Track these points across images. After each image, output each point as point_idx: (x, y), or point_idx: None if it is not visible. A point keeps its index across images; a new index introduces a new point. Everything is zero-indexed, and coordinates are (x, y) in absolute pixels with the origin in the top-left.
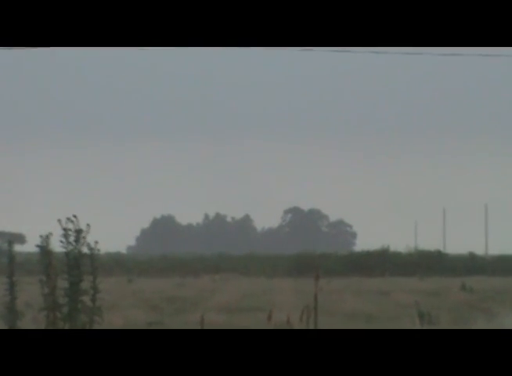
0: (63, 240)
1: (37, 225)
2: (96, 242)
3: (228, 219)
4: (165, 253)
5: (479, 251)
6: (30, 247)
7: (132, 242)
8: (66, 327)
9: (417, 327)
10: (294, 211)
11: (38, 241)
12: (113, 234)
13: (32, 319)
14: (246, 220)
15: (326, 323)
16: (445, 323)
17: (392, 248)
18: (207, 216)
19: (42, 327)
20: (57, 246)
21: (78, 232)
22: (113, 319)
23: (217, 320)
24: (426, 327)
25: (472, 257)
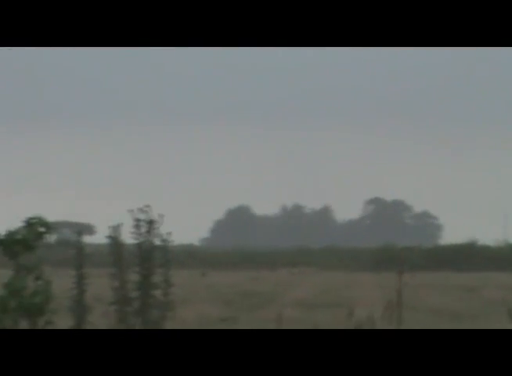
0: (135, 230)
1: (107, 216)
2: (169, 233)
3: (307, 210)
4: (240, 245)
5: None
6: (99, 238)
7: (206, 234)
8: (138, 322)
9: (506, 326)
10: (376, 202)
11: (108, 232)
12: (187, 225)
13: (101, 314)
14: (326, 211)
15: (410, 319)
16: None
17: (480, 241)
18: (284, 207)
19: (112, 322)
20: (128, 237)
21: (150, 222)
22: (185, 315)
23: (294, 317)
24: None
25: None
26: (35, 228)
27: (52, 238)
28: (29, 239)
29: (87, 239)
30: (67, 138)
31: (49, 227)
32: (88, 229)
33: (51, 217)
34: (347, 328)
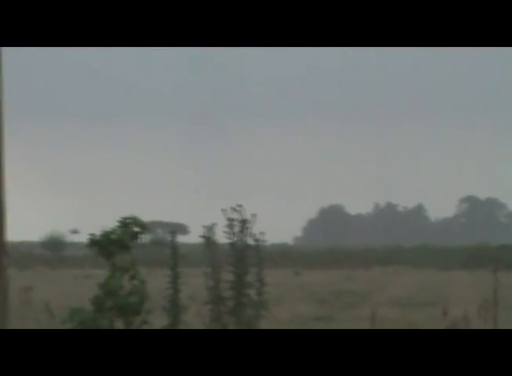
0: (228, 230)
1: (200, 215)
2: (262, 233)
3: (400, 209)
4: (333, 244)
5: None
6: (193, 237)
7: (299, 233)
8: (232, 321)
9: None
10: (470, 200)
11: (202, 232)
12: (280, 225)
13: (196, 314)
14: (419, 210)
15: (507, 318)
16: None
17: None
18: (377, 205)
19: (207, 321)
20: (221, 237)
21: (243, 222)
22: (279, 314)
23: (388, 315)
24: None
25: None
26: (130, 228)
27: (146, 238)
28: (124, 239)
29: (181, 239)
30: (161, 140)
31: (144, 227)
32: (181, 228)
33: (145, 217)
34: (429, 328)
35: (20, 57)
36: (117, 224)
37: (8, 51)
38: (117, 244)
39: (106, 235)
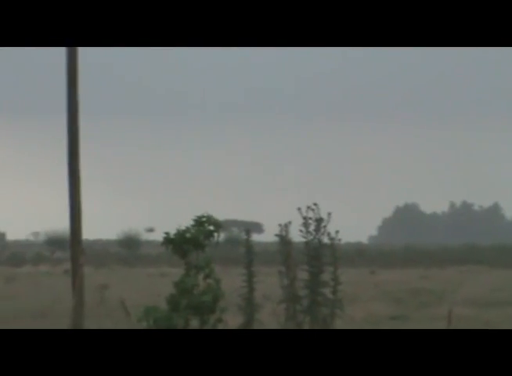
0: (303, 229)
1: (274, 214)
2: (337, 231)
3: (476, 208)
4: (408, 243)
5: None
6: (267, 236)
7: (374, 232)
8: (306, 320)
9: None
10: None
11: (276, 230)
12: (354, 223)
13: (270, 312)
14: (495, 209)
15: None
16: None
17: None
18: (452, 204)
19: (282, 320)
20: (296, 235)
21: (319, 221)
22: (354, 313)
23: (465, 315)
24: None
25: None
26: (205, 227)
27: (221, 237)
28: (199, 238)
29: (255, 237)
30: (238, 138)
31: (219, 226)
32: (256, 227)
33: (220, 216)
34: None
35: (96, 56)
36: (191, 223)
37: (83, 50)
38: (192, 243)
39: (181, 233)
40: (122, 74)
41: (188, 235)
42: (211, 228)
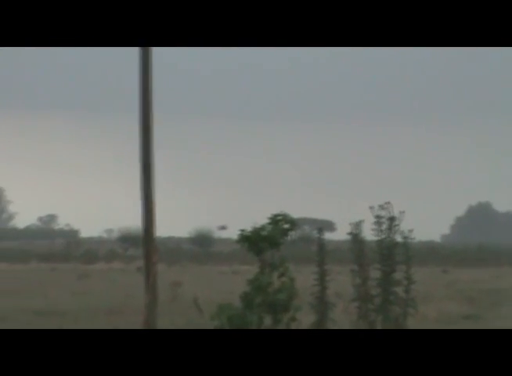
0: (376, 227)
1: (347, 212)
2: (410, 230)
3: None
4: (481, 242)
5: None
6: (339, 234)
7: (447, 230)
8: (379, 318)
9: None
10: None
11: (348, 229)
12: (427, 222)
13: (343, 311)
14: None
15: None
16: None
17: None
18: None
19: (354, 318)
20: (369, 234)
21: (391, 219)
22: (426, 312)
23: None
24: None
25: None
26: (280, 225)
27: (294, 235)
28: (275, 236)
29: (328, 236)
30: (309, 137)
31: (293, 224)
32: (328, 225)
33: (293, 213)
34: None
35: (169, 56)
36: (265, 221)
37: (156, 50)
38: (268, 241)
39: (257, 231)
40: (194, 72)
41: (263, 233)
42: (286, 226)
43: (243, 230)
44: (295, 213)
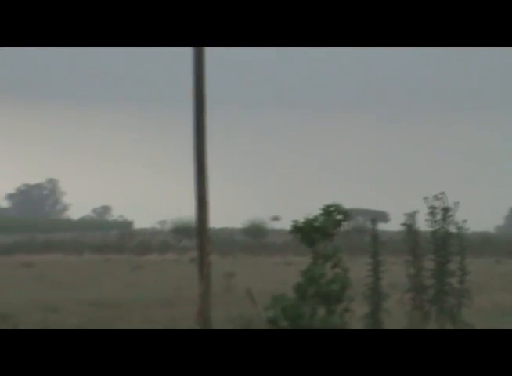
0: (430, 218)
1: (400, 203)
2: (464, 221)
3: None
4: None
5: None
6: (393, 225)
7: (501, 221)
8: (433, 309)
9: None
10: None
11: (402, 219)
12: (481, 213)
13: (397, 301)
14: None
15: None
16: None
17: None
18: None
19: (408, 309)
20: (423, 225)
21: (446, 210)
22: (480, 302)
23: None
24: None
25: None
26: (333, 216)
27: (347, 225)
28: (327, 227)
29: (381, 226)
30: (360, 127)
31: (347, 215)
32: (382, 216)
33: (346, 204)
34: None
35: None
36: (318, 212)
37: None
38: (320, 232)
39: (309, 222)
40: (249, 63)
41: (316, 224)
42: (339, 217)
43: (295, 221)
44: (349, 204)
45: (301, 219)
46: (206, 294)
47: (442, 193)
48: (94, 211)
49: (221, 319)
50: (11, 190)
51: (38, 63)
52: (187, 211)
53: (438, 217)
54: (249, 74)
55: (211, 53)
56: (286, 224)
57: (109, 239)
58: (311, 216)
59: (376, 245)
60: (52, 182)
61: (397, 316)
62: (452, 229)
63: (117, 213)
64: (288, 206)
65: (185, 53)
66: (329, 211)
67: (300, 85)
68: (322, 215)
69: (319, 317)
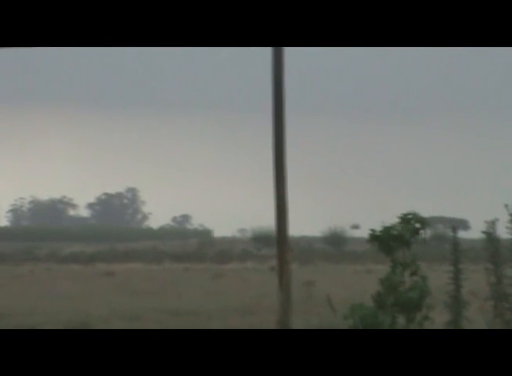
0: (510, 226)
1: (481, 211)
2: None
3: None
4: None
5: None
6: (473, 233)
7: None
8: None
9: None
10: None
11: (483, 227)
12: None
13: (478, 310)
14: None
15: None
16: None
17: None
18: None
19: (489, 317)
20: (503, 232)
21: None
22: None
23: None
24: None
25: None
26: (411, 224)
27: (426, 233)
28: (405, 235)
29: (462, 234)
30: (431, 134)
31: (424, 223)
32: (462, 224)
33: (425, 212)
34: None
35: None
36: (397, 220)
37: (288, 50)
38: (398, 240)
39: (387, 230)
40: (328, 71)
41: (394, 232)
42: (417, 225)
43: (373, 230)
44: (428, 212)
45: (379, 228)
46: (286, 303)
47: None
48: (174, 219)
49: (301, 327)
50: (91, 200)
51: (117, 72)
52: (267, 220)
53: None
54: (328, 82)
55: (290, 63)
56: (366, 232)
57: (189, 247)
58: (388, 224)
59: (456, 253)
60: (132, 191)
61: (478, 325)
62: None
63: (196, 222)
64: (368, 214)
65: (265, 60)
66: (406, 219)
67: (378, 92)
68: (400, 223)
69: (398, 326)
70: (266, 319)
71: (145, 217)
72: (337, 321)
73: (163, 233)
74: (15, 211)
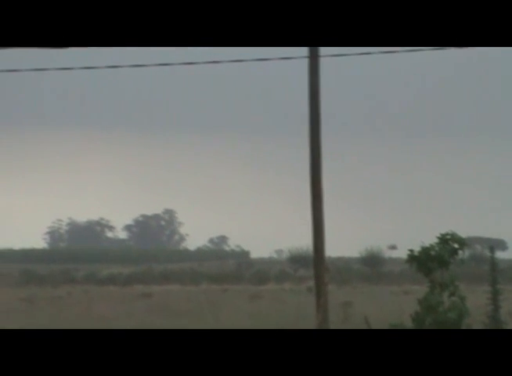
0: None
1: None
2: None
3: None
4: None
5: None
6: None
7: None
8: None
9: None
10: None
11: None
12: None
13: None
14: None
15: None
16: None
17: None
18: None
19: None
20: None
21: None
22: None
23: None
24: None
25: None
26: (449, 244)
27: (464, 254)
28: (443, 255)
29: (499, 254)
30: (468, 153)
31: (463, 243)
32: (500, 244)
33: (463, 233)
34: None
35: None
36: (435, 240)
37: (322, 68)
38: (437, 261)
39: (425, 251)
40: (363, 92)
41: (432, 253)
42: (455, 246)
43: (411, 250)
44: (466, 232)
45: (417, 248)
46: (324, 324)
47: None
48: (211, 241)
49: None
50: (129, 221)
51: (155, 94)
52: (304, 241)
53: None
54: (365, 101)
55: (326, 84)
56: (403, 252)
57: (227, 269)
58: (427, 245)
59: (494, 273)
60: (169, 212)
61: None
62: None
63: (233, 243)
64: (406, 234)
65: (302, 75)
66: (445, 240)
67: (415, 112)
68: (438, 243)
69: None
70: None
71: (182, 238)
72: None
73: (200, 255)
74: (52, 233)
